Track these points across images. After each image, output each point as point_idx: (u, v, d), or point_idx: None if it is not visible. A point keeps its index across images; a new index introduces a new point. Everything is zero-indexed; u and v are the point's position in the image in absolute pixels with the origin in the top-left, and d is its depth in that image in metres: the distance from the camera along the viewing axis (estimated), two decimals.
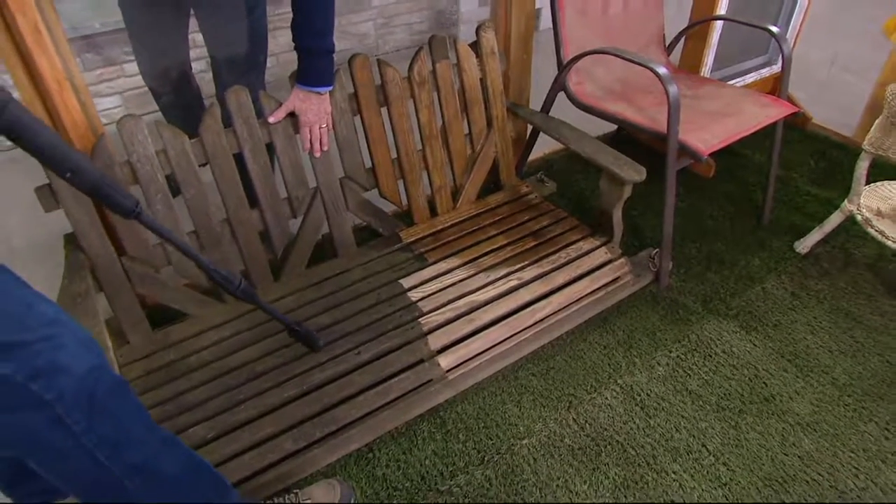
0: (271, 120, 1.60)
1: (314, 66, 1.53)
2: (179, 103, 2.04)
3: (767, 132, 1.89)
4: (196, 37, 1.95)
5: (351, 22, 3.33)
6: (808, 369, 1.63)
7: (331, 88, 1.60)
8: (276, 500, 1.28)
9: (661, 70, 1.62)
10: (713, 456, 1.43)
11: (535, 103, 2.11)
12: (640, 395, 1.57)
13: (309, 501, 1.28)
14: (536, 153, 2.26)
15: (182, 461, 1.02)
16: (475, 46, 1.87)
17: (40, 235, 2.13)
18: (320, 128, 1.64)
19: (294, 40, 1.50)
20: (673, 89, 1.60)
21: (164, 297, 1.61)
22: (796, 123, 2.65)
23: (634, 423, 1.50)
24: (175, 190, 1.54)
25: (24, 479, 1.17)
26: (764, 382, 1.60)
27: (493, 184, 2.10)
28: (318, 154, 1.68)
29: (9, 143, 0.88)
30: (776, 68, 2.57)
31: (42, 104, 1.35)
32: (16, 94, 1.30)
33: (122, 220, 1.50)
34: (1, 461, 1.12)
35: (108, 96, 2.81)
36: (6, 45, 1.25)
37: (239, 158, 1.61)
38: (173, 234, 1.19)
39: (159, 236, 1.17)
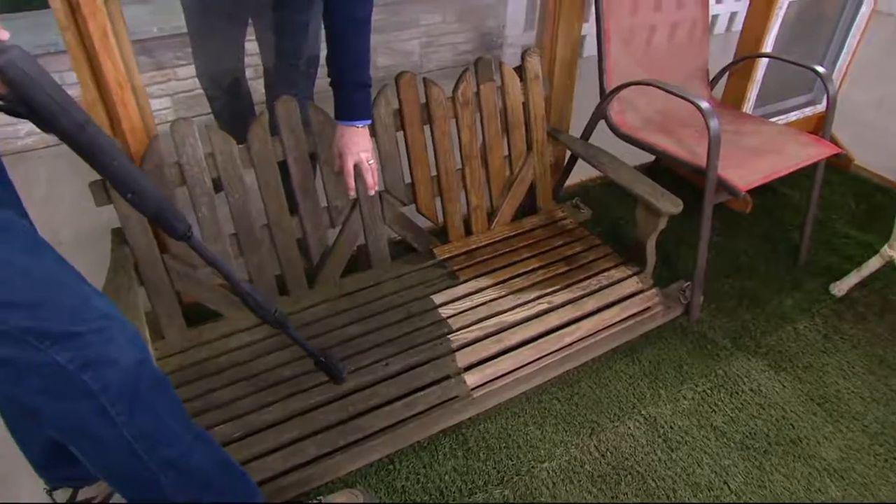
0: (349, 183, 1.55)
1: (350, 100, 1.48)
2: (231, 108, 2.10)
3: (808, 171, 1.88)
4: (248, 45, 2.01)
5: (398, 39, 3.39)
6: (839, 414, 1.60)
7: (369, 122, 1.53)
8: None
9: (704, 104, 1.63)
10: (735, 494, 1.41)
11: (575, 129, 2.13)
12: (663, 427, 1.56)
13: None
14: (574, 179, 2.27)
15: (213, 458, 1.05)
16: (520, 70, 1.90)
17: (85, 226, 2.21)
18: (368, 162, 1.55)
19: (329, 74, 1.45)
20: (714, 124, 1.61)
21: (201, 295, 1.66)
22: (838, 164, 2.61)
23: (656, 454, 1.50)
24: (217, 186, 1.58)
25: (59, 463, 1.21)
26: (791, 424, 1.57)
27: (528, 206, 2.11)
28: (371, 192, 1.62)
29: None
30: (820, 108, 2.55)
31: (103, 103, 1.41)
32: (79, 93, 1.37)
33: None
34: (40, 442, 1.16)
35: (158, 98, 2.91)
36: (75, 46, 1.31)
37: (283, 166, 1.65)
38: (218, 259, 1.19)
39: (205, 260, 1.17)
